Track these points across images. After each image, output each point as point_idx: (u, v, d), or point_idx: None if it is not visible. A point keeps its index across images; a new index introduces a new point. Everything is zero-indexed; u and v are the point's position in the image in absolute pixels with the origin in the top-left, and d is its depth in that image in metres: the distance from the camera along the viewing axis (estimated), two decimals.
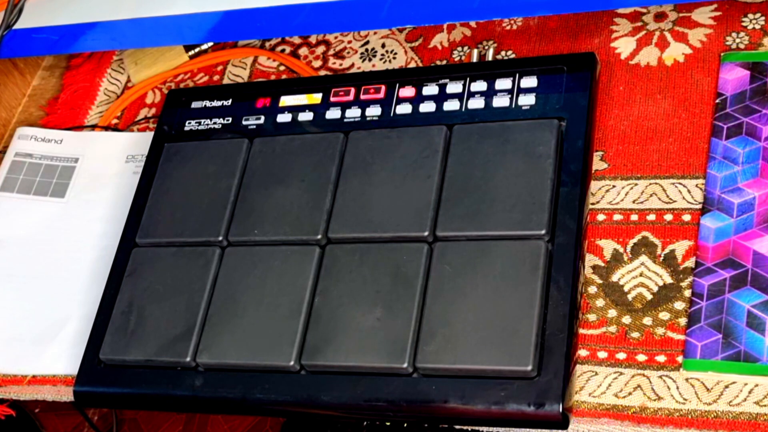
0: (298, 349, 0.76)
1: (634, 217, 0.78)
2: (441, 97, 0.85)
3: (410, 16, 0.87)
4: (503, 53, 0.91)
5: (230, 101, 0.93)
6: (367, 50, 0.97)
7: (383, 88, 0.88)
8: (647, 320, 0.74)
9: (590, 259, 0.78)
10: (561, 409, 0.69)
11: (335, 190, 0.83)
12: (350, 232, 0.80)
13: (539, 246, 0.74)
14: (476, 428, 0.73)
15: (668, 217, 0.77)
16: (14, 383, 0.86)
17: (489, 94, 0.84)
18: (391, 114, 0.86)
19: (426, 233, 0.78)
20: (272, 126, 0.89)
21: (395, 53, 0.96)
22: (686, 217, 0.77)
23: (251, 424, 1.34)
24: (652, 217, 0.78)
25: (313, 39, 1.00)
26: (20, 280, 0.92)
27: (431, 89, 0.86)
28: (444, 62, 0.93)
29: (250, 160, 0.87)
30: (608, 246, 0.78)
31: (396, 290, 0.76)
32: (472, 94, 0.84)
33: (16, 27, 0.99)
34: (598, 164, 0.81)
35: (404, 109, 0.86)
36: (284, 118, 0.89)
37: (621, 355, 0.73)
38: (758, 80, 0.80)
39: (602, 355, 0.73)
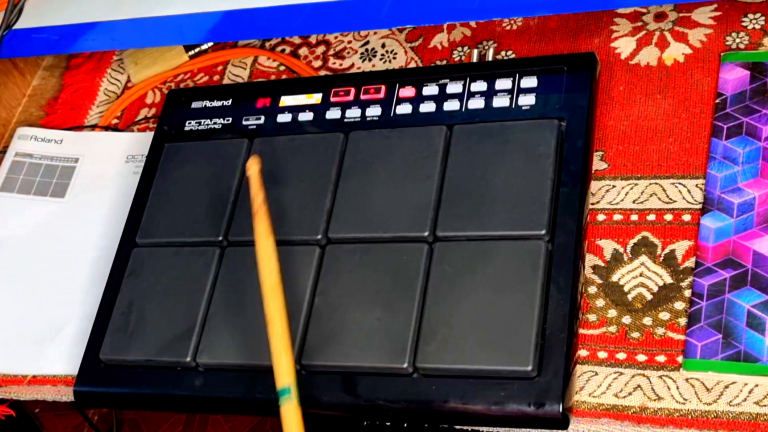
0: (298, 349, 0.76)
1: (634, 217, 0.78)
2: (441, 97, 0.85)
3: (410, 16, 0.87)
4: (503, 53, 0.91)
5: (230, 101, 0.93)
6: (367, 50, 0.97)
7: (383, 88, 0.88)
8: (647, 320, 0.74)
9: (590, 259, 0.78)
10: (561, 409, 0.69)
11: (335, 190, 0.83)
12: (350, 232, 0.80)
13: (539, 246, 0.74)
14: (476, 428, 0.73)
15: (668, 217, 0.77)
16: (14, 383, 0.86)
17: (489, 94, 0.84)
18: (391, 114, 0.86)
19: (426, 233, 0.78)
20: (272, 126, 0.89)
21: (395, 53, 0.96)
22: (686, 217, 0.77)
23: (251, 424, 1.34)
24: (652, 217, 0.78)
25: (313, 39, 1.00)
26: (20, 280, 0.92)
27: (431, 89, 0.86)
28: (444, 62, 0.93)
29: None
30: (608, 246, 0.78)
31: (396, 290, 0.76)
32: (472, 94, 0.84)
33: (16, 27, 0.99)
34: (598, 164, 0.81)
35: (404, 109, 0.86)
36: (284, 118, 0.89)
37: (621, 355, 0.73)
38: (758, 80, 0.80)
39: (602, 355, 0.73)
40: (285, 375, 0.71)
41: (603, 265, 0.77)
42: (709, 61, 0.83)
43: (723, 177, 0.76)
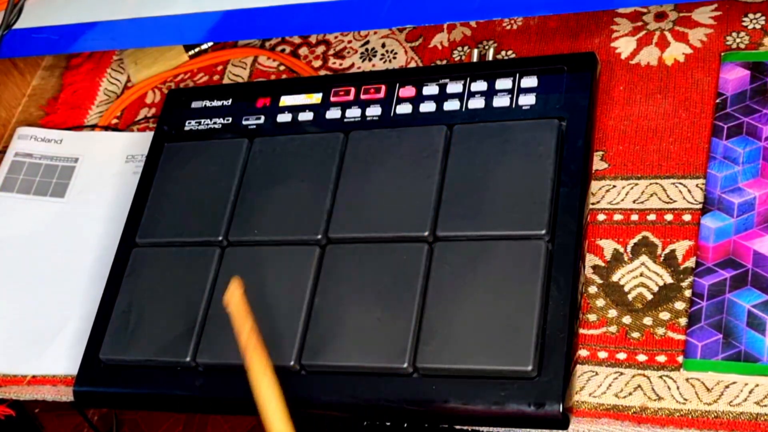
0: (298, 349, 0.76)
1: (635, 217, 0.78)
2: (441, 97, 0.85)
3: (410, 16, 0.87)
4: (503, 53, 0.91)
5: (230, 101, 0.93)
6: (367, 50, 0.97)
7: (383, 88, 0.88)
8: (647, 320, 0.74)
9: (590, 259, 0.77)
10: (561, 409, 0.69)
11: (335, 190, 0.83)
12: (350, 232, 0.80)
13: (539, 246, 0.74)
14: (476, 428, 0.73)
15: (668, 217, 0.77)
16: (14, 383, 0.86)
17: (489, 94, 0.84)
18: (391, 114, 0.86)
19: (426, 233, 0.78)
20: (272, 126, 0.89)
21: (395, 53, 0.96)
22: (686, 217, 0.77)
23: (251, 424, 1.34)
24: (652, 217, 0.78)
25: (313, 39, 1.00)
26: (20, 280, 0.92)
27: (431, 89, 0.86)
28: (444, 62, 0.93)
29: (250, 160, 0.87)
30: (608, 246, 0.78)
31: (396, 290, 0.76)
32: (472, 94, 0.84)
33: (16, 27, 0.99)
34: (598, 164, 0.81)
35: (404, 109, 0.86)
36: (284, 118, 0.89)
37: (621, 355, 0.73)
38: (758, 80, 0.80)
39: (602, 355, 0.73)
40: None
41: (603, 265, 0.77)
42: (709, 60, 0.83)
43: (723, 177, 0.76)
